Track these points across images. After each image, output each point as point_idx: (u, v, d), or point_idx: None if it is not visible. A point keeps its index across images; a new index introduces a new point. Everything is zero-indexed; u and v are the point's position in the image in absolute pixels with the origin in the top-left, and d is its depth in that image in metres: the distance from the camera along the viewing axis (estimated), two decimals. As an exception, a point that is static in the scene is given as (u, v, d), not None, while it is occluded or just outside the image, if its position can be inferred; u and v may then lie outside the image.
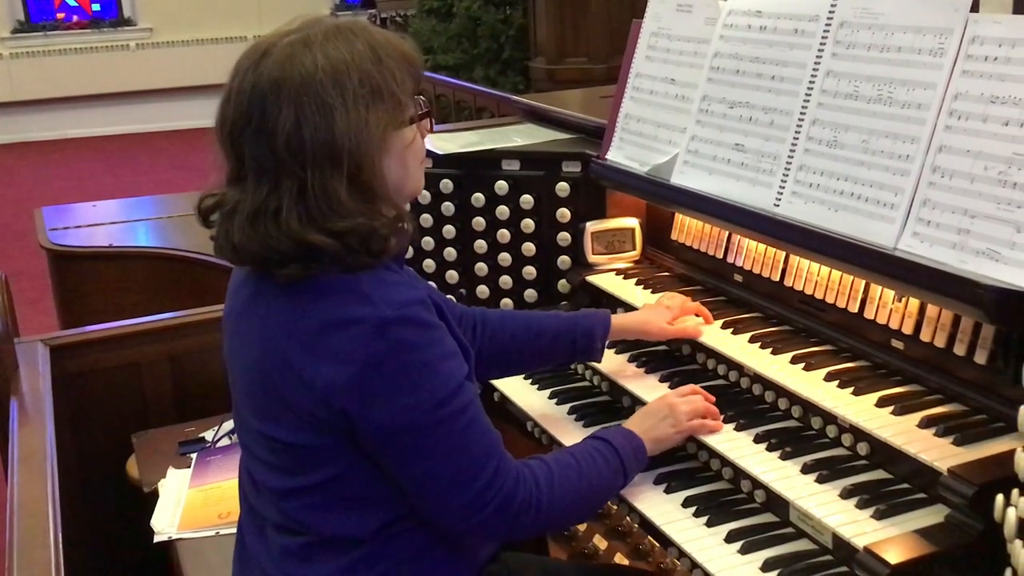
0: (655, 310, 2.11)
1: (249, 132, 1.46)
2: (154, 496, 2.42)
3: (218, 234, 1.53)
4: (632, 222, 2.51)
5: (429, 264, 2.67)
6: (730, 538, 1.66)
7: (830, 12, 1.96)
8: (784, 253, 2.06)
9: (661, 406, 1.84)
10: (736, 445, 1.79)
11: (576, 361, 2.15)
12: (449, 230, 2.62)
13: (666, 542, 1.72)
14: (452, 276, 2.66)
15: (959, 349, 1.68)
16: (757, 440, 1.79)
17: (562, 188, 2.52)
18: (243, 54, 1.52)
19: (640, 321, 2.09)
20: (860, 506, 1.57)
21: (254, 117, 1.45)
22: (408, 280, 1.57)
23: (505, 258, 2.60)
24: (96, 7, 11.63)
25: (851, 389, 1.76)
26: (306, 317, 1.47)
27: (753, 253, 2.15)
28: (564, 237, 2.54)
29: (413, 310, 1.47)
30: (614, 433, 1.76)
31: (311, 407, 1.47)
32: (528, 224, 2.56)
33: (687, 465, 1.89)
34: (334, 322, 1.45)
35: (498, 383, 2.27)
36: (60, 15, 11.51)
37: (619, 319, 2.08)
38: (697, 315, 2.11)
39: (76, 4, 11.61)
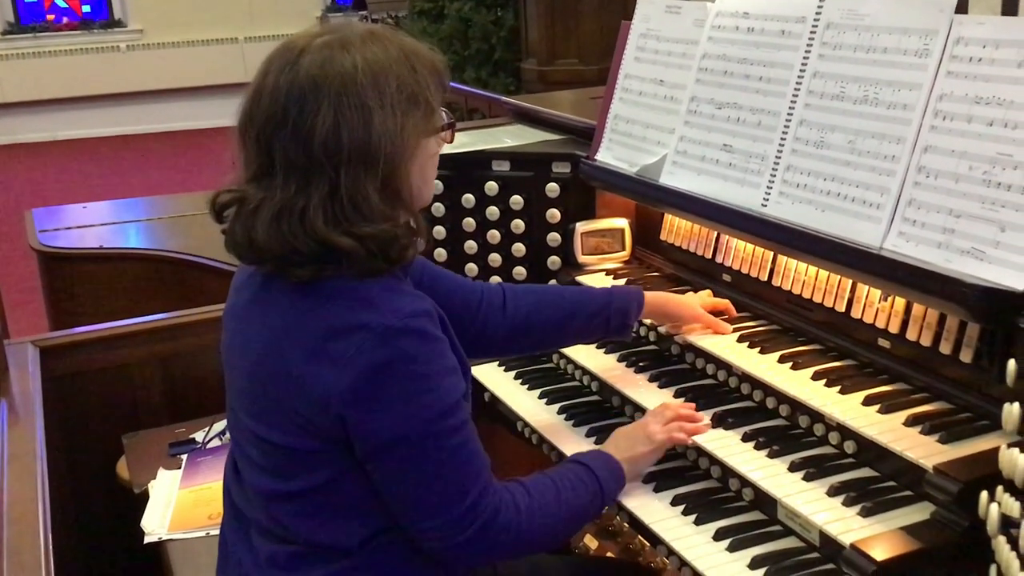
0: (691, 295, 2.12)
1: (284, 131, 1.45)
2: (144, 497, 2.42)
3: (233, 229, 1.51)
4: (621, 222, 2.52)
5: (419, 265, 2.67)
6: (718, 536, 1.67)
7: (816, 13, 1.97)
8: (772, 253, 2.07)
9: (635, 429, 1.85)
10: (724, 444, 1.80)
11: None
12: (439, 231, 2.63)
13: (655, 540, 1.73)
14: (442, 277, 2.66)
15: (945, 348, 1.70)
16: (745, 439, 1.80)
17: (552, 189, 2.53)
18: (274, 52, 1.51)
19: (676, 301, 2.08)
20: (847, 504, 1.58)
21: (291, 115, 1.44)
22: (416, 291, 1.56)
23: (495, 258, 2.60)
24: (86, 8, 11.62)
25: (838, 388, 1.77)
26: (309, 321, 1.46)
27: (741, 253, 2.16)
28: (554, 237, 2.55)
29: (419, 321, 1.47)
30: (592, 457, 1.76)
31: (307, 412, 1.46)
32: (518, 225, 2.57)
33: (676, 464, 1.89)
34: (338, 328, 1.44)
35: (488, 383, 2.28)
36: (50, 17, 11.49)
37: (653, 297, 2.07)
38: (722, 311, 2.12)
39: (66, 6, 11.59)
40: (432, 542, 1.54)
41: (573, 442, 2.01)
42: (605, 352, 2.20)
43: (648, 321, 2.16)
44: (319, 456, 1.50)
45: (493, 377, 2.31)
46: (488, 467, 1.56)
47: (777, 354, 1.92)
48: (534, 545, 1.63)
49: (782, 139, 1.98)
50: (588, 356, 2.20)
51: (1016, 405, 1.35)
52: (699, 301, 2.10)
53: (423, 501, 1.50)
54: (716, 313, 2.10)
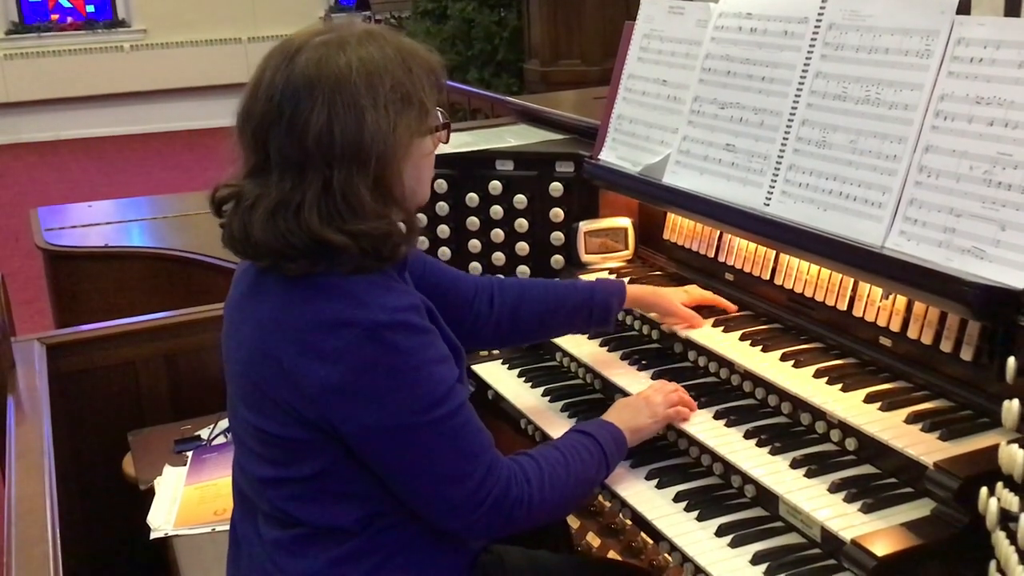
0: (672, 290, 2.16)
1: (279, 127, 1.47)
2: (150, 493, 2.43)
3: (230, 224, 1.54)
4: (625, 222, 2.53)
5: (423, 263, 2.69)
6: (720, 532, 1.69)
7: (819, 14, 1.98)
8: (774, 252, 2.09)
9: (637, 400, 1.90)
10: (727, 440, 1.82)
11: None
12: (443, 229, 2.64)
13: (658, 536, 1.74)
14: (446, 275, 2.68)
15: (945, 346, 1.71)
16: (747, 436, 1.82)
17: (555, 188, 2.54)
18: (273, 49, 1.54)
19: (654, 293, 2.14)
20: (848, 500, 1.59)
21: (285, 112, 1.47)
22: (403, 286, 1.58)
23: (499, 257, 2.62)
24: (90, 8, 11.63)
25: (840, 385, 1.78)
26: (297, 315, 1.49)
27: (744, 252, 2.18)
28: (557, 236, 2.56)
29: (405, 315, 1.49)
30: (596, 426, 1.80)
31: (298, 404, 1.49)
32: (522, 224, 2.58)
33: (678, 461, 1.91)
34: (325, 322, 1.46)
35: (492, 381, 2.30)
36: (54, 16, 11.50)
37: (635, 290, 2.14)
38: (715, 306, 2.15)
39: (70, 5, 11.60)
40: (448, 522, 1.57)
41: (576, 439, 2.02)
42: (608, 350, 2.22)
43: (653, 316, 2.19)
44: (313, 445, 1.52)
45: (497, 375, 2.33)
46: (491, 443, 1.58)
47: (779, 352, 1.93)
48: (547, 515, 1.67)
49: (784, 139, 2.00)
50: (591, 353, 2.22)
51: (1015, 402, 1.36)
52: (679, 297, 2.14)
53: (431, 485, 1.52)
54: (701, 308, 2.14)
